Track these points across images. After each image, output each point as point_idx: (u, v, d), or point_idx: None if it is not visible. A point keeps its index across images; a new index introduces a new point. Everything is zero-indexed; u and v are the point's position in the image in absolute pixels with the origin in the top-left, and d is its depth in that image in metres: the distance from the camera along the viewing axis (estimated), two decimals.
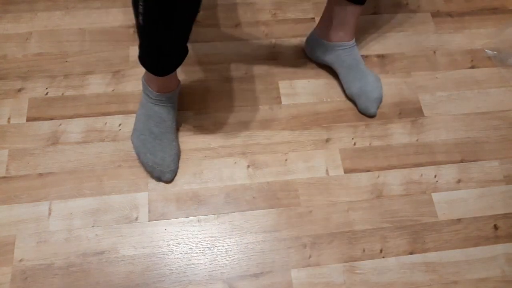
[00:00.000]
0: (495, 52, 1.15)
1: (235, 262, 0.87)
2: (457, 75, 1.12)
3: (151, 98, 0.90)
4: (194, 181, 0.94)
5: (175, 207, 0.91)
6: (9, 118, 0.98)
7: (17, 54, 1.06)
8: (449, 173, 0.99)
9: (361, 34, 1.15)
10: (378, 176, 0.97)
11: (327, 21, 1.00)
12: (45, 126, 0.97)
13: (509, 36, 1.16)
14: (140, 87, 1.03)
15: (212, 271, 0.86)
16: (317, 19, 1.15)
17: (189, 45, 1.09)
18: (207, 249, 0.88)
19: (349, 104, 1.05)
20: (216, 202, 0.92)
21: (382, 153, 1.00)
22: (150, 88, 0.89)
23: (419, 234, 0.92)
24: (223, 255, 0.87)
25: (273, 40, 1.13)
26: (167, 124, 0.92)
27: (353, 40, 1.00)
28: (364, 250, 0.89)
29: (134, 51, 1.08)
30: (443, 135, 1.03)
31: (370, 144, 1.01)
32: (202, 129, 0.99)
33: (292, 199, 0.93)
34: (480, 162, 1.01)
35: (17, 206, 0.89)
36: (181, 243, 0.88)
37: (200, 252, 0.87)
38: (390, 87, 1.08)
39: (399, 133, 1.02)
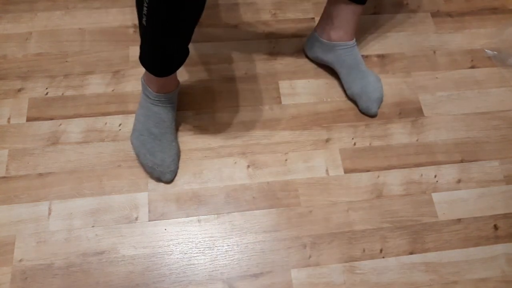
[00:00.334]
0: (495, 52, 1.15)
1: (235, 262, 0.87)
2: (457, 75, 1.12)
3: (150, 98, 0.90)
4: (194, 181, 0.94)
5: (175, 207, 0.91)
6: (9, 118, 0.98)
7: (17, 54, 1.06)
8: (449, 173, 0.99)
9: (361, 34, 1.15)
10: (378, 176, 0.97)
11: (327, 21, 1.00)
12: (45, 126, 0.97)
13: (509, 36, 1.16)
14: (140, 87, 1.03)
15: (212, 271, 0.86)
16: (317, 19, 1.15)
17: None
18: (207, 249, 0.88)
19: (349, 104, 1.05)
20: (216, 202, 0.92)
21: (382, 153, 1.00)
22: (149, 89, 0.89)
23: (419, 234, 0.92)
24: (223, 255, 0.87)
25: (273, 40, 1.13)
26: (166, 124, 0.92)
27: (354, 40, 1.00)
28: (364, 250, 0.89)
29: (134, 51, 1.08)
30: (443, 135, 1.03)
31: (370, 144, 1.01)
32: (202, 129, 0.99)
33: (292, 199, 0.93)
34: (480, 162, 1.01)
35: (17, 206, 0.89)
36: (181, 243, 0.88)
37: (200, 252, 0.87)
38: (390, 87, 1.08)
39: (399, 133, 1.02)
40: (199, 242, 0.88)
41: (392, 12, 1.20)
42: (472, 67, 1.13)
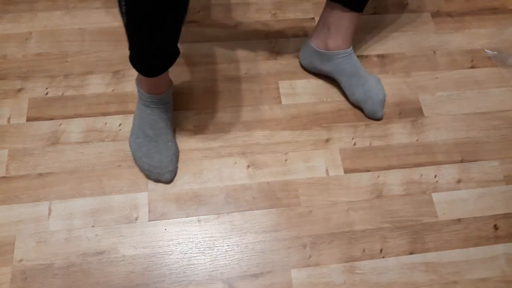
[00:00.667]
0: (495, 52, 1.15)
1: (235, 262, 0.87)
2: (457, 75, 1.12)
3: (143, 99, 0.90)
4: (194, 181, 0.94)
5: (175, 207, 0.91)
6: (9, 118, 0.98)
7: (17, 54, 1.06)
8: (449, 173, 0.99)
9: (361, 34, 1.15)
10: (378, 176, 0.97)
11: (324, 30, 0.99)
12: (45, 126, 0.97)
13: (509, 36, 1.16)
14: None
15: (212, 271, 0.86)
16: (317, 19, 1.15)
17: (189, 45, 1.10)
18: (207, 249, 0.88)
19: (349, 104, 1.05)
20: (216, 202, 0.92)
21: (382, 153, 1.00)
22: (141, 90, 0.89)
23: (419, 234, 0.92)
24: (223, 255, 0.87)
25: (273, 40, 1.13)
26: (160, 125, 0.91)
27: (351, 47, 1.00)
28: (364, 250, 0.89)
29: None
30: (443, 135, 1.03)
31: (370, 144, 1.01)
32: (202, 129, 0.99)
33: (292, 199, 0.93)
34: (480, 162, 1.01)
35: (17, 206, 0.89)
36: (181, 243, 0.88)
37: (200, 252, 0.87)
38: (390, 87, 1.08)
39: (399, 133, 1.02)
40: (199, 242, 0.88)
41: (392, 12, 1.20)
42: (472, 67, 1.13)
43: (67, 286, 0.82)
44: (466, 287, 0.87)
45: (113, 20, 1.13)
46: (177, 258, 0.86)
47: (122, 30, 1.11)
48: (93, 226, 0.88)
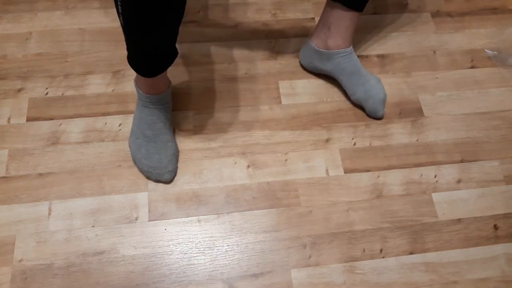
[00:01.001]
0: (495, 52, 1.15)
1: (235, 262, 0.87)
2: (457, 75, 1.12)
3: (141, 100, 0.90)
4: (194, 181, 0.94)
5: (175, 207, 0.91)
6: (9, 118, 0.98)
7: (17, 54, 1.06)
8: (449, 173, 0.99)
9: (361, 34, 1.15)
10: (378, 176, 0.97)
11: (324, 29, 0.99)
12: (45, 126, 0.97)
13: (509, 36, 1.16)
14: None
15: (212, 271, 0.86)
16: (317, 19, 1.15)
17: (189, 45, 1.10)
18: (207, 249, 0.88)
19: (349, 104, 1.05)
20: (216, 202, 0.92)
21: (382, 153, 1.00)
22: (140, 90, 0.89)
23: (419, 234, 0.92)
24: (223, 255, 0.87)
25: (273, 40, 1.13)
26: (159, 126, 0.91)
27: (351, 47, 1.00)
28: (364, 250, 0.89)
29: None
30: (443, 135, 1.03)
31: (370, 144, 1.01)
32: (202, 129, 0.99)
33: (292, 199, 0.93)
34: (480, 162, 1.01)
35: (17, 206, 0.89)
36: (181, 243, 0.88)
37: (200, 252, 0.87)
38: (390, 87, 1.08)
39: (399, 133, 1.02)
40: (199, 242, 0.88)
41: (392, 12, 1.20)
42: (472, 67, 1.13)
43: (67, 286, 0.82)
44: (466, 287, 0.87)
45: (113, 20, 1.12)
46: (177, 258, 0.86)
47: (122, 30, 1.11)
48: (93, 226, 0.88)
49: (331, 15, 0.96)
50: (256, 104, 1.03)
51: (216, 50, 1.10)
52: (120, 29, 1.11)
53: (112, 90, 1.03)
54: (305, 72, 1.08)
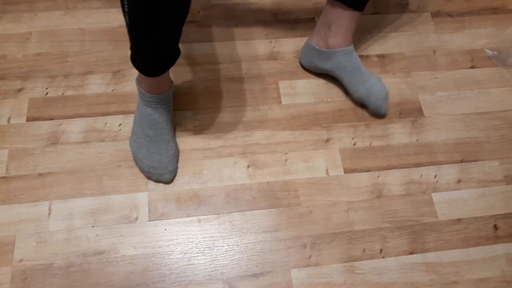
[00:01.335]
0: (495, 52, 1.15)
1: (235, 262, 0.87)
2: (457, 75, 1.12)
3: (143, 99, 0.90)
4: (194, 181, 0.94)
5: (175, 207, 0.91)
6: (9, 118, 0.98)
7: (17, 54, 1.06)
8: (449, 173, 0.99)
9: (361, 34, 1.15)
10: (378, 176, 0.97)
11: (325, 28, 0.99)
12: (45, 126, 0.97)
13: (509, 36, 1.16)
14: None
15: (212, 271, 0.86)
16: (317, 19, 1.15)
17: (189, 45, 1.10)
18: (207, 249, 0.88)
19: (349, 104, 1.05)
20: (216, 202, 0.92)
21: (382, 153, 1.00)
22: (142, 89, 0.89)
23: (419, 234, 0.92)
24: (223, 255, 0.87)
25: (273, 40, 1.13)
26: (160, 126, 0.92)
27: (352, 45, 1.00)
28: (364, 250, 0.89)
29: None
30: (443, 135, 1.03)
31: (370, 144, 1.01)
32: (202, 129, 0.99)
33: (292, 199, 0.93)
34: (480, 162, 1.01)
35: (17, 206, 0.89)
36: (181, 243, 0.88)
37: (200, 252, 0.87)
38: (390, 87, 1.08)
39: (399, 133, 1.02)
40: (199, 242, 0.88)
41: (392, 12, 1.20)
42: (472, 67, 1.13)
43: (67, 286, 0.82)
44: (466, 287, 0.87)
45: (113, 20, 1.13)
46: (177, 258, 0.86)
47: (122, 30, 1.11)
48: (93, 226, 0.88)
49: (331, 14, 0.96)
50: (256, 104, 1.03)
51: (216, 50, 1.10)
52: (120, 29, 1.11)
53: (112, 90, 1.03)
54: (305, 72, 1.08)
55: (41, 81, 1.02)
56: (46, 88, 1.02)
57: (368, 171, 0.97)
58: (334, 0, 0.94)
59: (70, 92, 1.02)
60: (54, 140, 0.96)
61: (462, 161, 1.00)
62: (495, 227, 0.94)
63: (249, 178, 0.95)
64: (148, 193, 0.92)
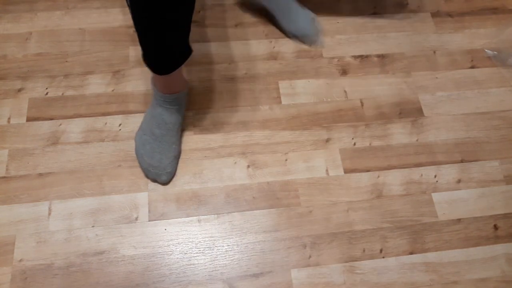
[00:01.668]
0: (495, 52, 1.15)
1: (235, 262, 0.87)
2: (457, 75, 1.12)
3: (156, 98, 0.90)
4: (194, 181, 0.94)
5: (175, 207, 0.91)
6: (9, 118, 0.98)
7: (17, 54, 1.06)
8: (449, 173, 0.99)
9: (361, 34, 1.15)
10: (378, 176, 0.97)
11: None
12: (45, 126, 0.97)
13: (509, 36, 1.16)
14: (140, 87, 1.03)
15: (212, 271, 0.86)
16: (317, 19, 1.15)
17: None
18: (207, 249, 0.88)
19: (349, 104, 1.05)
20: (216, 202, 0.92)
21: (382, 153, 1.00)
22: (155, 88, 0.89)
23: (419, 234, 0.92)
24: (223, 255, 0.87)
25: (273, 40, 1.13)
26: (168, 126, 0.91)
27: None
28: (364, 250, 0.89)
29: (134, 51, 1.08)
30: (443, 135, 1.03)
31: (370, 144, 1.01)
32: (202, 129, 0.99)
33: (292, 199, 0.93)
34: (480, 162, 1.01)
35: (17, 206, 0.89)
36: (181, 243, 0.88)
37: (200, 252, 0.87)
38: (390, 87, 1.08)
39: (399, 133, 1.02)
40: (199, 242, 0.88)
41: (392, 12, 1.20)
42: (472, 67, 1.13)
43: (67, 286, 0.82)
44: (466, 287, 0.87)
45: (113, 20, 1.13)
46: (177, 258, 0.86)
47: (122, 30, 1.11)
48: (93, 226, 0.88)
49: None
50: (256, 104, 1.03)
51: (216, 50, 1.10)
52: (121, 29, 1.11)
53: (112, 90, 1.03)
54: (305, 72, 1.08)
55: (41, 81, 1.02)
56: (46, 88, 1.02)
57: (368, 171, 0.97)
58: None
59: (70, 92, 1.02)
60: (54, 140, 0.96)
61: (462, 161, 1.00)
62: (495, 227, 0.94)
63: (249, 178, 0.95)
64: (148, 193, 0.92)
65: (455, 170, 0.99)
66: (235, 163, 0.96)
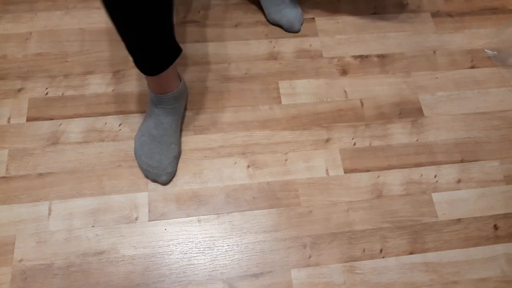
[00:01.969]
0: (495, 52, 1.15)
1: (235, 262, 0.87)
2: (457, 75, 1.12)
3: (151, 98, 0.90)
4: (194, 181, 0.94)
5: (175, 207, 0.91)
6: (9, 118, 0.98)
7: (17, 54, 1.06)
8: (449, 173, 0.99)
9: (361, 34, 1.15)
10: (378, 176, 0.97)
11: None
12: (45, 126, 0.97)
13: (509, 36, 1.16)
14: (140, 87, 1.03)
15: (212, 271, 0.86)
16: (317, 19, 1.15)
17: (189, 45, 1.10)
18: (207, 249, 0.88)
19: (349, 104, 1.05)
20: (216, 202, 0.92)
21: (382, 153, 1.00)
22: (148, 88, 0.88)
23: (419, 234, 0.92)
24: (223, 255, 0.87)
25: (273, 40, 1.13)
26: (165, 126, 0.91)
27: None
28: (364, 250, 0.89)
29: None
30: (443, 135, 1.03)
31: (370, 144, 1.01)
32: (202, 129, 0.99)
33: (292, 199, 0.93)
34: (480, 162, 1.01)
35: (17, 206, 0.89)
36: (181, 243, 0.88)
37: (200, 252, 0.87)
38: (390, 87, 1.08)
39: (399, 133, 1.02)
40: (199, 242, 0.88)
41: (392, 12, 1.20)
42: (472, 67, 1.13)
43: (67, 286, 0.82)
44: (466, 287, 0.87)
45: None
46: (177, 258, 0.86)
47: None
48: (93, 226, 0.88)
49: None
50: (256, 104, 1.03)
51: (216, 50, 1.10)
52: None
53: (112, 90, 1.03)
54: (305, 72, 1.08)
55: (41, 81, 1.02)
56: (46, 88, 1.02)
57: (368, 171, 0.97)
58: None
59: (70, 92, 1.02)
60: (54, 140, 0.96)
61: (462, 161, 1.00)
62: (495, 227, 0.94)
63: (249, 178, 0.95)
64: (148, 193, 0.92)
65: (455, 170, 0.99)
66: (235, 163, 0.96)
